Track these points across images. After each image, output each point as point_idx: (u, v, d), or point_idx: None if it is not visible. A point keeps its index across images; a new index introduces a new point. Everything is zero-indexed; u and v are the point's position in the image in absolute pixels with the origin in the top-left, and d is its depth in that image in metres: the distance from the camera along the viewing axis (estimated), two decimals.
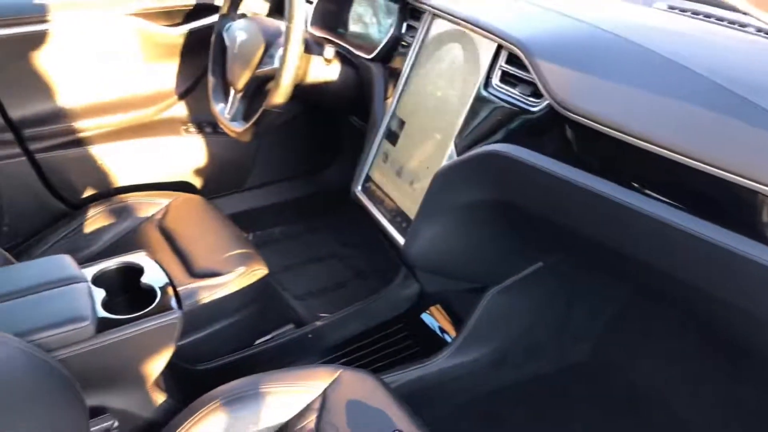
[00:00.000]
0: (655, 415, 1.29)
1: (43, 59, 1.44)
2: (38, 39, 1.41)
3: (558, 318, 1.38)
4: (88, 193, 1.59)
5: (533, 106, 0.93)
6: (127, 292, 0.93)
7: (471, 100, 1.04)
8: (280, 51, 1.23)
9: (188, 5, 1.59)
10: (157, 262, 0.96)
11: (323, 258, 1.83)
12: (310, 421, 0.91)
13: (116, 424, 0.87)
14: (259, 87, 1.36)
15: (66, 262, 0.89)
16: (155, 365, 0.90)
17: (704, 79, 0.77)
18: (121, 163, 1.61)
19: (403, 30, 1.29)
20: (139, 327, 0.84)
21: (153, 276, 0.93)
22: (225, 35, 1.44)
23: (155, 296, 0.89)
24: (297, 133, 1.87)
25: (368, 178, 1.30)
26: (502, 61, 1.01)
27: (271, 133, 1.71)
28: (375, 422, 0.90)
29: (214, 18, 1.55)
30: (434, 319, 1.47)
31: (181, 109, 1.69)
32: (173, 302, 0.89)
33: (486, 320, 1.30)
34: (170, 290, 0.91)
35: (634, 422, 1.30)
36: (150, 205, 1.46)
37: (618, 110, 0.81)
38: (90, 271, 0.91)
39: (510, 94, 0.98)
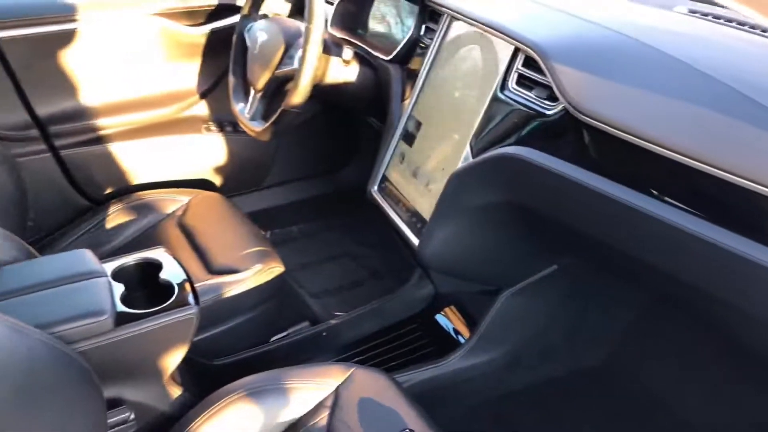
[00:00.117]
0: (668, 422, 1.28)
1: (69, 58, 1.47)
2: (65, 38, 1.44)
3: (572, 321, 1.37)
4: (111, 189, 1.62)
5: (549, 110, 0.93)
6: (146, 287, 0.94)
7: (487, 103, 1.05)
8: (300, 52, 1.24)
9: (211, 5, 1.61)
10: (175, 258, 0.98)
11: (340, 257, 1.85)
12: (323, 418, 0.92)
13: (132, 416, 0.88)
14: (279, 87, 1.37)
15: (87, 257, 0.91)
16: (172, 359, 0.91)
17: (722, 85, 0.77)
18: (143, 160, 1.64)
19: (422, 32, 1.29)
20: (157, 321, 0.85)
21: (171, 272, 0.95)
22: (246, 36, 1.46)
23: (173, 292, 0.90)
24: (315, 132, 1.88)
25: (384, 179, 1.31)
26: (518, 64, 1.01)
27: (290, 133, 1.73)
28: (386, 421, 0.91)
29: (235, 18, 1.57)
30: (448, 320, 1.47)
31: (202, 108, 1.71)
32: (190, 298, 0.91)
33: (499, 322, 1.30)
34: (188, 286, 0.93)
35: (647, 429, 1.29)
36: (170, 202, 1.49)
37: (633, 114, 0.80)
38: (110, 266, 0.93)
39: (526, 97, 0.98)
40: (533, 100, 0.97)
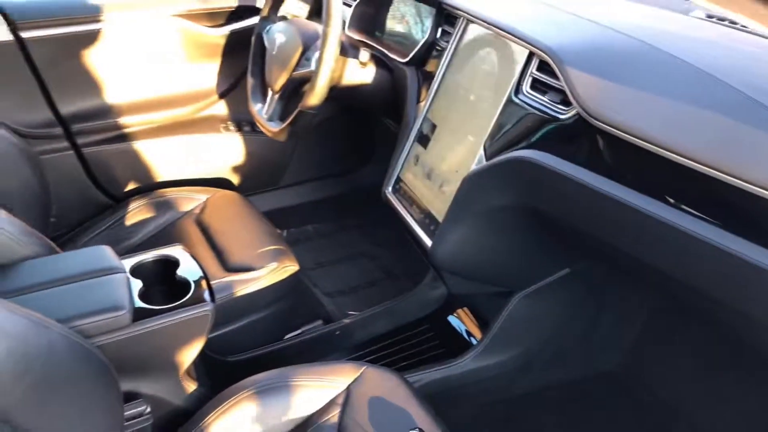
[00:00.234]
0: (679, 428, 1.28)
1: (92, 58, 1.49)
2: (88, 38, 1.47)
3: (584, 325, 1.37)
4: (130, 186, 1.65)
5: (562, 114, 0.93)
6: (163, 284, 0.95)
7: (501, 106, 1.05)
8: (317, 54, 1.26)
9: (230, 7, 1.63)
10: (192, 255, 0.99)
11: (354, 256, 1.86)
12: (334, 415, 0.93)
13: (148, 409, 0.89)
14: (296, 88, 1.39)
15: (107, 253, 0.93)
16: (187, 355, 0.92)
17: (736, 92, 0.76)
18: (163, 158, 1.66)
19: (438, 35, 1.30)
20: (173, 317, 0.87)
21: (188, 269, 0.96)
22: (265, 37, 1.48)
23: (189, 288, 0.92)
24: (332, 133, 1.90)
25: (399, 180, 1.32)
26: (533, 68, 1.01)
27: (307, 134, 1.74)
28: (396, 419, 0.91)
29: (254, 20, 1.59)
30: (461, 321, 1.48)
31: (221, 108, 1.73)
32: (206, 295, 0.92)
33: (511, 324, 1.30)
34: (204, 283, 0.94)
35: None
36: (188, 200, 1.51)
37: (646, 120, 0.80)
38: (129, 263, 0.94)
39: (540, 101, 0.98)
40: (547, 104, 0.97)
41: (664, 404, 1.31)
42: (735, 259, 0.73)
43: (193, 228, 1.42)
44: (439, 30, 1.30)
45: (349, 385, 0.97)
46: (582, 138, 0.90)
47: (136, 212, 1.47)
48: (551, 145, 0.95)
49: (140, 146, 1.63)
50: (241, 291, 1.23)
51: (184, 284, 0.93)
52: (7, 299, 0.66)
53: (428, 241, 1.19)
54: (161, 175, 1.68)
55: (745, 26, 1.01)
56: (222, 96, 1.72)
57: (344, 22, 1.51)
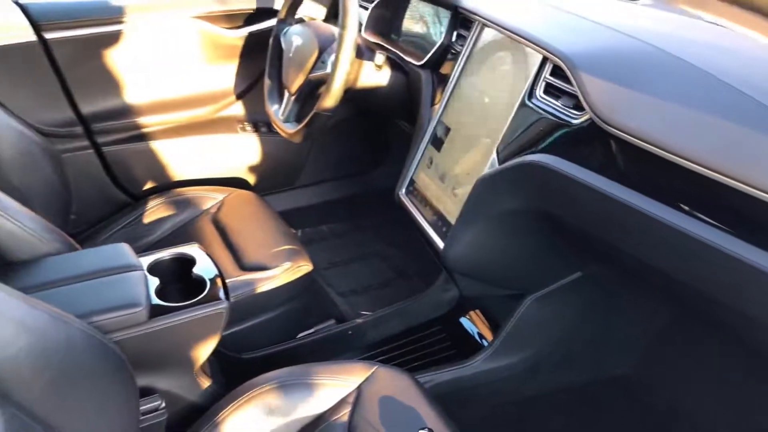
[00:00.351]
0: None
1: (113, 58, 1.52)
2: (110, 39, 1.50)
3: (596, 329, 1.36)
4: (149, 185, 1.67)
5: (575, 119, 0.93)
6: (180, 282, 0.97)
7: (515, 110, 1.05)
8: (333, 56, 1.27)
9: (249, 9, 1.65)
10: (208, 254, 1.01)
11: (368, 257, 1.87)
12: (344, 414, 0.94)
13: (163, 404, 0.91)
14: (312, 90, 1.40)
15: (125, 251, 0.95)
16: (202, 351, 0.94)
17: (749, 99, 0.76)
18: (181, 158, 1.69)
19: (454, 38, 1.31)
20: (189, 315, 0.89)
21: (204, 267, 0.98)
22: (282, 39, 1.50)
23: (205, 286, 0.94)
24: (347, 135, 1.91)
25: (412, 182, 1.33)
26: (546, 72, 1.01)
27: (323, 135, 1.76)
28: (406, 419, 0.92)
29: (272, 22, 1.60)
30: (473, 323, 1.48)
31: (238, 109, 1.75)
32: (221, 293, 0.94)
33: (523, 327, 1.30)
34: (219, 281, 0.96)
35: None
36: (206, 199, 1.53)
37: (659, 126, 0.80)
38: (146, 260, 0.96)
39: (553, 105, 0.99)
40: (560, 109, 0.97)
41: (675, 410, 1.30)
42: (745, 265, 0.72)
43: (210, 227, 1.44)
44: (455, 33, 1.31)
45: (361, 385, 0.98)
46: (594, 143, 0.91)
47: (154, 211, 1.49)
48: (564, 149, 0.96)
49: (159, 146, 1.65)
50: (256, 289, 1.24)
51: (200, 282, 0.95)
52: (29, 295, 0.67)
53: (440, 243, 1.19)
54: (179, 174, 1.70)
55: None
56: (239, 97, 1.74)
57: (360, 25, 1.52)
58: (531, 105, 1.03)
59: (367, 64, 1.36)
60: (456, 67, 1.24)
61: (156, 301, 0.89)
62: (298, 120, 1.43)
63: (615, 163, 0.89)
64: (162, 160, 1.67)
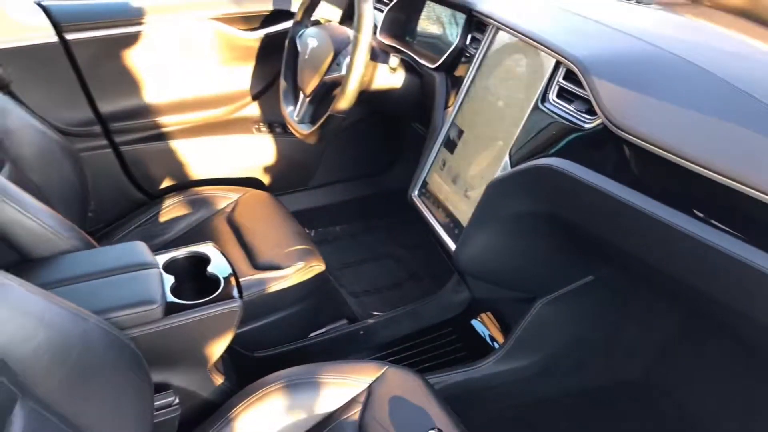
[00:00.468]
0: None
1: (131, 59, 1.54)
2: (129, 40, 1.52)
3: (608, 333, 1.36)
4: (165, 184, 1.70)
5: (587, 123, 0.94)
6: (194, 280, 0.98)
7: (527, 114, 1.06)
8: (348, 59, 1.28)
9: (265, 11, 1.67)
10: (223, 253, 1.02)
11: (380, 258, 1.88)
12: (355, 413, 0.95)
13: (177, 400, 0.92)
14: (327, 92, 1.42)
15: (141, 249, 0.96)
16: (215, 349, 0.95)
17: (763, 105, 0.76)
18: (197, 158, 1.71)
19: (468, 41, 1.31)
20: (203, 312, 0.90)
21: (218, 266, 0.99)
22: (298, 41, 1.51)
23: (219, 285, 0.95)
24: (361, 136, 1.92)
25: (425, 184, 1.33)
26: (559, 76, 1.02)
27: (337, 136, 1.77)
28: (415, 419, 0.93)
29: (288, 24, 1.62)
30: (484, 325, 1.48)
31: (253, 110, 1.77)
32: (235, 292, 0.95)
33: (534, 330, 1.30)
34: (233, 280, 0.97)
35: None
36: (221, 199, 1.54)
37: (670, 131, 0.80)
38: (162, 258, 0.98)
39: (565, 109, 0.99)
40: (572, 113, 0.97)
41: (685, 414, 1.29)
42: (758, 273, 0.72)
43: (224, 226, 1.46)
44: (469, 37, 1.31)
45: (371, 384, 0.99)
46: (606, 147, 0.91)
47: (170, 209, 1.51)
48: (576, 153, 0.96)
49: (175, 145, 1.67)
50: (269, 289, 1.26)
51: (214, 281, 0.96)
52: (47, 291, 0.69)
53: (452, 245, 1.20)
54: (195, 173, 1.72)
55: None
56: (255, 98, 1.75)
57: (376, 27, 1.53)
58: (544, 109, 1.03)
59: (381, 67, 1.37)
60: (470, 70, 1.25)
61: (171, 298, 0.90)
62: (313, 121, 1.44)
63: (627, 168, 0.89)
64: (178, 159, 1.69)
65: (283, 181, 1.86)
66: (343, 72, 1.32)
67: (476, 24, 1.30)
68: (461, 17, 1.33)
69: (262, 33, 1.68)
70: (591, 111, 0.94)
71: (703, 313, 1.15)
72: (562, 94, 1.02)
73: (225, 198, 1.55)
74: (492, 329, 1.46)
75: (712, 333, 1.27)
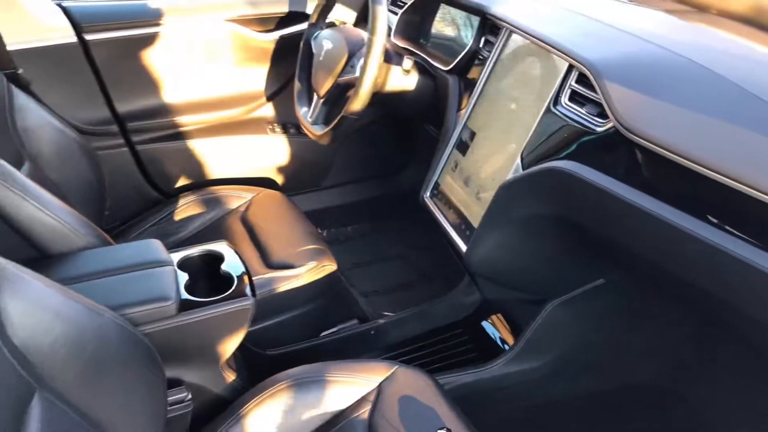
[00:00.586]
0: None
1: (148, 60, 1.57)
2: (146, 41, 1.54)
3: (618, 336, 1.35)
4: (180, 183, 1.72)
5: (599, 126, 0.94)
6: (208, 278, 0.99)
7: (540, 117, 1.06)
8: (362, 61, 1.29)
9: (281, 13, 1.68)
10: (236, 251, 1.03)
11: (391, 258, 1.88)
12: (364, 411, 0.96)
13: (189, 396, 0.93)
14: (341, 94, 1.43)
15: (156, 247, 0.97)
16: (228, 346, 0.96)
17: None
18: (212, 157, 1.72)
19: (481, 44, 1.32)
20: (216, 310, 0.91)
21: (232, 264, 1.00)
22: (312, 43, 1.53)
23: (232, 283, 0.96)
24: (374, 138, 1.93)
25: (437, 185, 1.34)
26: (572, 80, 1.02)
27: (350, 137, 1.78)
28: (424, 419, 0.94)
29: (303, 26, 1.63)
30: (494, 327, 1.49)
31: (268, 110, 1.79)
32: (248, 290, 0.95)
33: (544, 332, 1.30)
34: (246, 278, 0.98)
35: None
36: (235, 198, 1.56)
37: (683, 136, 0.80)
38: (176, 256, 0.99)
39: (577, 113, 0.99)
40: (584, 116, 0.98)
41: (696, 419, 1.29)
42: None
43: (238, 225, 1.47)
44: (482, 39, 1.32)
45: (381, 383, 0.99)
46: (618, 151, 0.91)
47: (185, 208, 1.53)
48: (587, 156, 0.96)
49: (191, 145, 1.69)
50: (281, 287, 1.27)
51: (228, 279, 0.97)
52: (65, 286, 0.70)
53: (463, 246, 1.20)
54: (210, 173, 1.74)
55: None
56: (270, 99, 1.77)
57: (390, 29, 1.54)
58: (556, 112, 1.04)
59: (395, 69, 1.38)
60: (483, 73, 1.25)
61: (185, 295, 0.91)
62: (326, 122, 1.45)
63: (638, 172, 0.89)
64: (193, 159, 1.70)
65: (296, 181, 1.88)
66: (357, 74, 1.33)
67: (490, 27, 1.30)
68: (475, 20, 1.34)
69: (277, 35, 1.69)
70: (603, 114, 0.94)
71: (715, 318, 1.15)
72: (575, 97, 1.02)
73: (239, 197, 1.56)
74: (502, 331, 1.47)
75: (723, 338, 1.26)
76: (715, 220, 0.78)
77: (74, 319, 0.66)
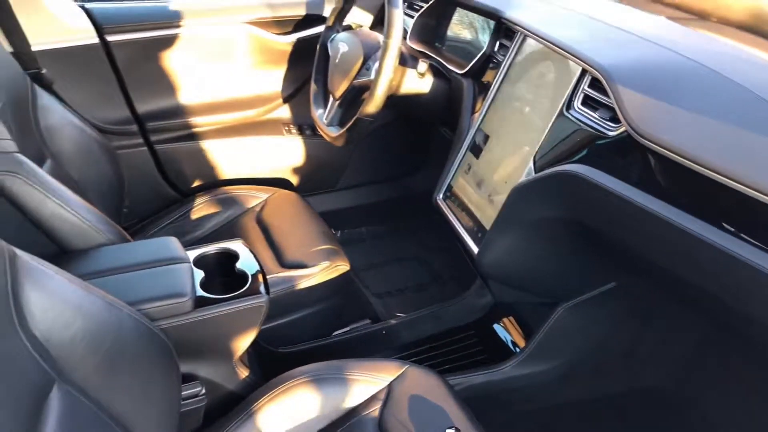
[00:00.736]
0: None
1: (168, 61, 1.59)
2: (166, 43, 1.57)
3: (629, 340, 1.35)
4: (197, 183, 1.74)
5: (611, 131, 0.94)
6: (223, 275, 1.01)
7: (552, 120, 1.07)
8: (377, 64, 1.30)
9: (298, 16, 1.70)
10: (251, 250, 1.05)
11: (404, 260, 1.89)
12: (375, 409, 0.97)
13: (203, 391, 0.95)
14: (356, 96, 1.44)
15: (173, 245, 0.99)
16: (242, 342, 0.98)
17: None
18: (228, 157, 1.75)
19: (496, 48, 1.33)
20: (231, 307, 0.92)
21: (247, 262, 1.02)
22: (329, 46, 1.54)
23: (247, 281, 0.97)
24: (388, 140, 1.94)
25: (450, 188, 1.35)
26: (585, 84, 1.03)
27: (364, 139, 1.79)
28: (434, 418, 0.94)
29: (320, 28, 1.65)
30: (506, 330, 1.49)
31: (284, 112, 1.81)
32: (262, 288, 0.97)
33: (555, 335, 1.31)
34: (260, 277, 0.99)
35: None
36: (250, 198, 1.58)
37: (694, 141, 0.80)
38: (192, 254, 1.00)
39: (590, 117, 1.00)
40: (597, 121, 0.98)
41: (708, 424, 1.28)
42: None
43: (253, 224, 1.49)
44: (497, 43, 1.32)
45: (391, 382, 1.00)
46: (630, 156, 0.91)
47: (202, 207, 1.55)
48: (599, 160, 0.96)
49: (208, 145, 1.71)
50: (294, 286, 1.28)
51: (242, 276, 0.98)
52: (85, 281, 0.72)
53: (475, 248, 1.21)
54: (226, 173, 1.76)
55: None
56: (286, 100, 1.79)
57: (406, 32, 1.55)
58: (569, 116, 1.04)
59: (409, 72, 1.39)
60: (497, 77, 1.26)
61: (200, 292, 0.92)
62: (341, 124, 1.47)
63: (650, 176, 0.89)
64: (210, 159, 1.73)
65: (311, 182, 1.89)
66: (372, 76, 1.34)
67: (504, 31, 1.31)
68: (490, 24, 1.34)
69: (294, 37, 1.71)
70: (615, 119, 0.94)
71: (726, 324, 1.14)
72: (587, 101, 1.02)
73: (254, 197, 1.58)
74: (514, 334, 1.47)
75: (733, 344, 1.26)
76: (728, 226, 0.78)
77: (94, 313, 0.68)
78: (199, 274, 0.96)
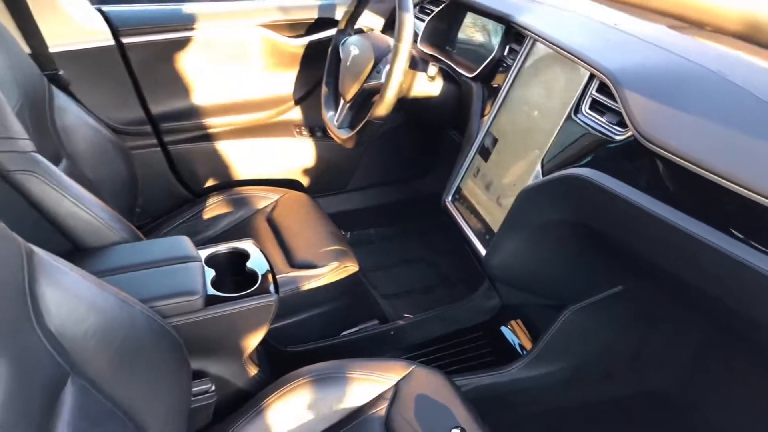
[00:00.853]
0: None
1: (182, 63, 1.61)
2: (180, 45, 1.59)
3: (636, 343, 1.35)
4: (209, 183, 1.76)
5: (618, 135, 0.95)
6: (234, 274, 1.02)
7: (561, 124, 1.07)
8: (388, 67, 1.31)
9: (311, 19, 1.72)
10: (261, 250, 1.06)
11: (413, 261, 1.90)
12: (381, 409, 0.98)
13: (213, 387, 0.96)
14: (366, 99, 1.45)
15: (185, 243, 1.01)
16: (251, 341, 0.99)
17: None
18: (240, 158, 1.76)
19: (505, 52, 1.33)
20: (241, 305, 0.94)
21: (257, 262, 1.03)
22: (340, 49, 1.55)
23: (257, 280, 0.98)
24: (398, 142, 1.95)
25: (458, 190, 1.36)
26: (593, 89, 1.03)
27: (374, 142, 1.80)
28: (440, 418, 0.95)
29: (332, 32, 1.66)
30: (513, 332, 1.49)
31: (296, 114, 1.82)
32: (272, 287, 0.98)
33: (562, 337, 1.31)
34: (270, 276, 1.00)
35: None
36: (261, 199, 1.60)
37: (701, 146, 0.81)
38: (204, 253, 1.02)
39: (598, 121, 1.00)
40: (604, 125, 0.99)
41: (714, 427, 1.28)
42: None
43: (264, 225, 1.50)
44: (507, 47, 1.33)
45: (398, 382, 1.01)
46: (637, 160, 0.92)
47: (214, 207, 1.57)
48: (607, 164, 0.97)
49: (220, 146, 1.73)
50: (304, 286, 1.29)
51: (253, 276, 1.00)
52: (98, 278, 0.74)
53: (483, 251, 1.22)
54: (238, 173, 1.78)
55: None
56: (297, 102, 1.80)
57: (417, 35, 1.56)
58: (576, 120, 1.05)
59: (420, 75, 1.40)
60: (507, 80, 1.27)
61: (211, 291, 0.94)
62: (352, 126, 1.48)
63: (657, 180, 0.89)
64: (223, 160, 1.75)
65: (321, 183, 1.91)
66: (383, 79, 1.35)
67: (514, 35, 1.32)
68: (500, 28, 1.35)
69: (306, 40, 1.73)
70: (622, 123, 0.95)
71: (732, 328, 1.14)
72: (595, 105, 1.03)
73: (265, 198, 1.60)
74: (521, 337, 1.47)
75: (740, 347, 1.25)
76: (733, 231, 0.79)
77: (107, 309, 0.69)
78: (211, 273, 0.97)
